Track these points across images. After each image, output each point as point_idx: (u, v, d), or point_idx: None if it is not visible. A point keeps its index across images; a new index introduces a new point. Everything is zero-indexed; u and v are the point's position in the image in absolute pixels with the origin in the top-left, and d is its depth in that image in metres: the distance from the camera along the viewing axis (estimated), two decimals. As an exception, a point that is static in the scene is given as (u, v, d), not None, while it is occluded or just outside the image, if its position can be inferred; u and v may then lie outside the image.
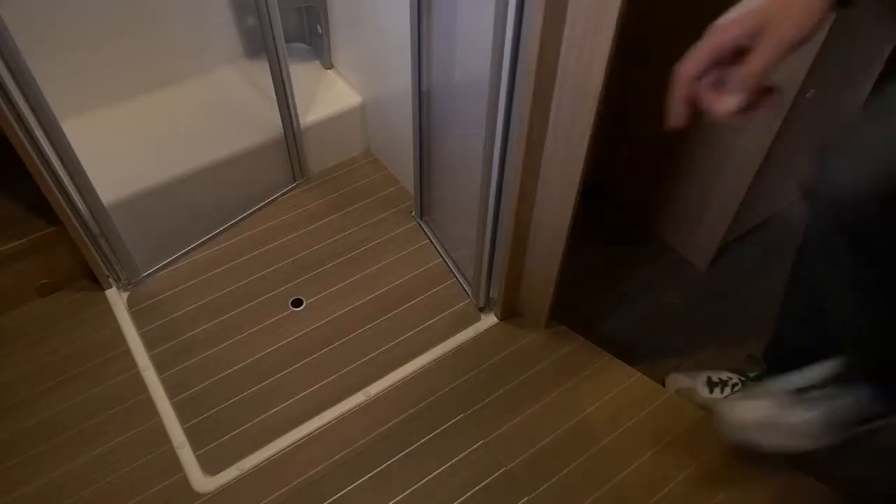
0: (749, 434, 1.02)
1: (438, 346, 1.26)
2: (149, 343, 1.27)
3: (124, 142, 1.41)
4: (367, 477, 1.07)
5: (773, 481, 1.04)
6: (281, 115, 1.42)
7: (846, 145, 0.73)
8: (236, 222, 1.49)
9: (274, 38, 1.28)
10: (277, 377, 1.22)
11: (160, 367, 1.23)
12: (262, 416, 1.16)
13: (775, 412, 0.99)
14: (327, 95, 1.58)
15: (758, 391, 1.03)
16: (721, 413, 1.04)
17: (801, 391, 0.97)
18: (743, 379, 1.15)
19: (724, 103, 0.59)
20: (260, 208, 1.52)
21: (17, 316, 1.32)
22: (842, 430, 0.96)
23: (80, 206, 1.20)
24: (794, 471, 1.05)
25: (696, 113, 0.59)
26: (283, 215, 1.51)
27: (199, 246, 1.44)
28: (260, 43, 1.30)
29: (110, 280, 1.35)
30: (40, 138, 1.07)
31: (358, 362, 1.24)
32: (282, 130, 1.45)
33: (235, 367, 1.23)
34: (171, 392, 1.19)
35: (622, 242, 1.50)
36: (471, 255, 1.24)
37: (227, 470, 1.09)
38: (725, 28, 0.59)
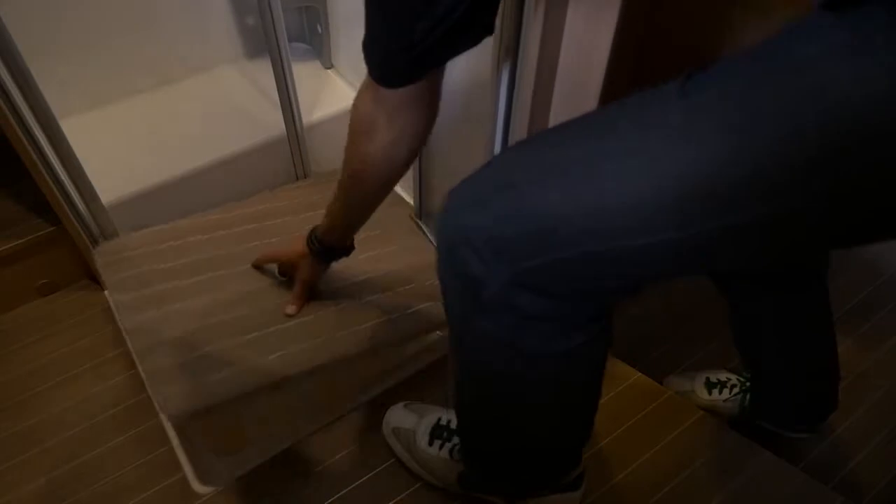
0: (388, 437, 1.08)
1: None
2: (149, 343, 1.27)
3: (124, 142, 1.41)
4: (368, 476, 1.07)
5: (773, 483, 1.04)
6: (283, 116, 1.42)
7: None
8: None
9: (277, 38, 1.28)
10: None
11: (160, 367, 1.23)
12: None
13: (413, 427, 1.04)
14: (327, 95, 1.58)
15: (422, 408, 1.08)
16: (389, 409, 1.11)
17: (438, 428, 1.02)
18: (742, 380, 1.15)
19: (289, 308, 1.11)
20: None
21: (17, 316, 1.32)
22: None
23: (80, 206, 1.20)
24: (796, 472, 1.05)
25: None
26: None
27: (199, 246, 1.44)
28: (260, 43, 1.31)
29: (110, 280, 1.35)
30: (40, 138, 1.07)
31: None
32: (283, 130, 1.45)
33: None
34: (171, 392, 1.19)
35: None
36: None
37: (227, 470, 1.09)
38: (268, 253, 1.15)
